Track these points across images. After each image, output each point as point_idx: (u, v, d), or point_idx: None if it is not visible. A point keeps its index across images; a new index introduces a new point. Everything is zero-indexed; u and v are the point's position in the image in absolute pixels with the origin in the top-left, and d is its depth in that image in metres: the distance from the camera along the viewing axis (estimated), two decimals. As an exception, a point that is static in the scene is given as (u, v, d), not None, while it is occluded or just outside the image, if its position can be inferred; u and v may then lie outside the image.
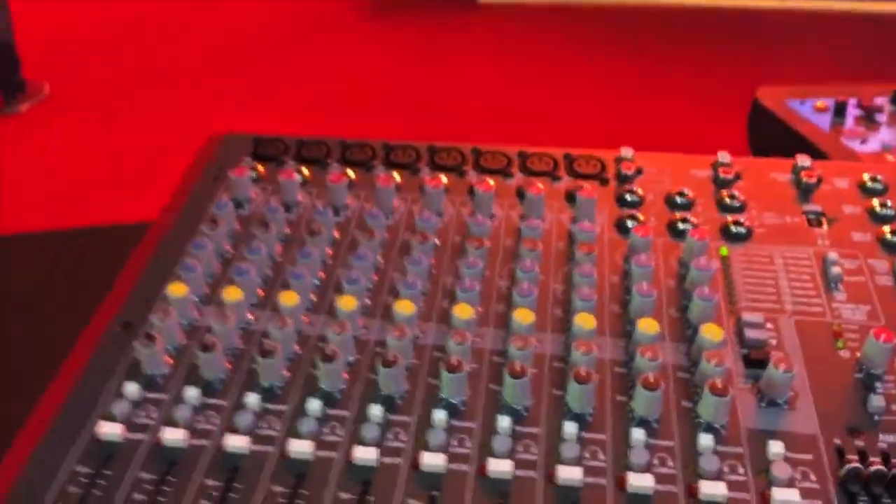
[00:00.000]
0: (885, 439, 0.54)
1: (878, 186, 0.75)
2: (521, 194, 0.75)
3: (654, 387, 0.55)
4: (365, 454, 0.53)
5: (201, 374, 0.59)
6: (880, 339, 0.57)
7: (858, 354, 0.59)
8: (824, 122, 1.55)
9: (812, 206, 0.73)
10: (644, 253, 0.66)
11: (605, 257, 0.69)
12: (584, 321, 0.59)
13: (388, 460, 0.54)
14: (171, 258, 0.68)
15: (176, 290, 0.63)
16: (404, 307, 0.61)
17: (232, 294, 0.62)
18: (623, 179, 0.77)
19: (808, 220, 0.72)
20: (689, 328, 0.62)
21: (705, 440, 0.54)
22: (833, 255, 0.67)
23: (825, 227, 0.71)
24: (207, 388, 0.58)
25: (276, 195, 0.76)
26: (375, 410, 0.56)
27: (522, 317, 0.60)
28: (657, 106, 2.55)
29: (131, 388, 0.58)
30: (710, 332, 0.58)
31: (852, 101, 1.58)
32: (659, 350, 0.57)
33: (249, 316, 0.63)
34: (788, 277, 0.66)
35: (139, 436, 0.55)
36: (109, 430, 0.55)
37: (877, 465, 0.51)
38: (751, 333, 0.61)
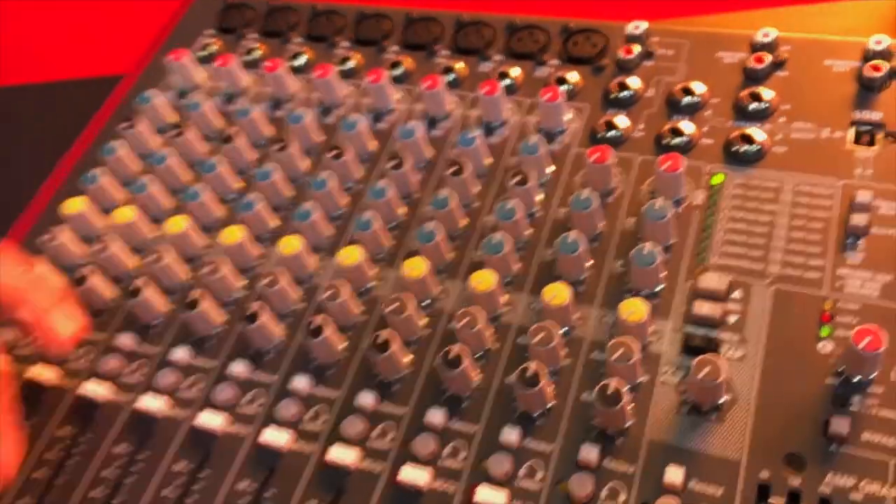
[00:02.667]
0: (832, 481, 0.41)
1: (983, 84, 0.53)
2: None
3: (530, 382, 0.44)
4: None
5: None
6: (861, 343, 0.42)
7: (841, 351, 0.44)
8: None
9: (867, 114, 0.53)
10: (594, 182, 0.52)
11: (560, 182, 0.55)
12: (480, 279, 0.48)
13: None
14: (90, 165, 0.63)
15: (71, 206, 0.58)
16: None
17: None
18: (622, 67, 0.60)
19: (857, 136, 0.53)
20: (629, 292, 0.49)
21: (587, 452, 0.43)
22: (865, 196, 0.49)
23: (877, 146, 0.52)
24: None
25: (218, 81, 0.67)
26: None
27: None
28: None
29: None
30: (628, 311, 0.45)
31: None
32: (553, 329, 0.45)
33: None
34: (790, 224, 0.50)
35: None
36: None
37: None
38: (700, 308, 0.47)
